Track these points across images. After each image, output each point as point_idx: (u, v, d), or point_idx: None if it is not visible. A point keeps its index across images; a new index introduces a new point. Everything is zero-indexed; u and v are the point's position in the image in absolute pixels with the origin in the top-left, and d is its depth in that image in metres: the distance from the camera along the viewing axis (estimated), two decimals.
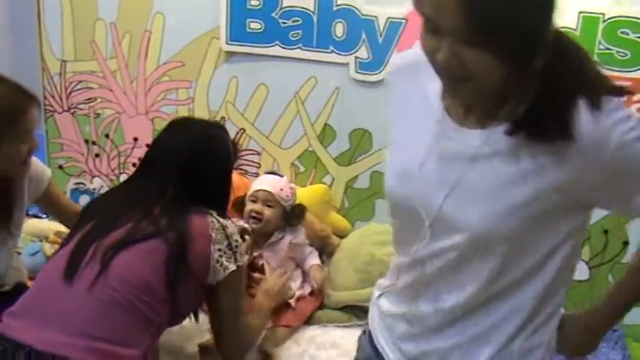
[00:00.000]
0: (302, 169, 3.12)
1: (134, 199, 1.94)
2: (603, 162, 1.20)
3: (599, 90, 1.21)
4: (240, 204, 2.70)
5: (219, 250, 1.89)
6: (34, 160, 2.20)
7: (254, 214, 2.63)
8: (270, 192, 2.64)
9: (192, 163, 1.99)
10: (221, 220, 1.94)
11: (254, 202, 2.66)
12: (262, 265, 2.60)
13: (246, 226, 2.59)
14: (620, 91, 1.23)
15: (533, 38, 1.13)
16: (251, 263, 2.59)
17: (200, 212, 1.92)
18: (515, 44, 1.11)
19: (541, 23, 1.14)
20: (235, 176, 2.88)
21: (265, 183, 2.69)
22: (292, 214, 2.68)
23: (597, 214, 2.79)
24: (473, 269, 1.30)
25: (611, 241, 2.84)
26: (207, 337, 2.40)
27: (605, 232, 2.82)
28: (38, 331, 1.69)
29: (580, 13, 2.63)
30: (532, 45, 1.14)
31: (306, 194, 2.96)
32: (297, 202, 2.74)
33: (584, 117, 1.18)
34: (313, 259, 2.69)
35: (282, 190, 2.65)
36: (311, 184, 3.12)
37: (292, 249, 2.65)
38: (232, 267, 1.91)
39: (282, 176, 2.78)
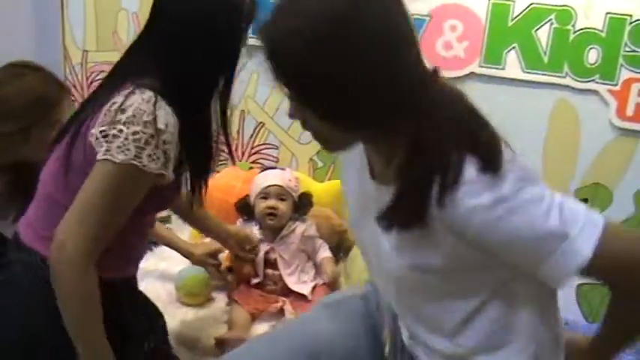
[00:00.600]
0: (320, 164, 3.15)
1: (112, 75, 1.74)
2: (470, 242, 1.23)
3: (459, 172, 1.19)
4: (245, 205, 2.74)
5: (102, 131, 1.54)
6: None
7: (270, 211, 2.66)
8: (281, 185, 2.66)
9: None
10: (148, 102, 1.55)
11: (265, 198, 2.68)
12: (275, 259, 2.62)
13: (255, 233, 2.65)
14: (497, 163, 1.21)
15: (350, 98, 1.19)
16: (265, 259, 2.62)
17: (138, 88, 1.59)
18: (322, 101, 1.20)
19: (357, 79, 1.17)
20: (245, 173, 2.92)
21: (273, 178, 2.70)
22: (301, 204, 2.71)
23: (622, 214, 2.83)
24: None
25: None
26: (224, 329, 2.44)
27: None
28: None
29: (607, 14, 2.64)
30: (346, 104, 1.19)
31: (323, 189, 2.99)
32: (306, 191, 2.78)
33: (441, 200, 1.19)
34: (324, 252, 2.71)
35: (290, 181, 2.68)
36: (329, 179, 3.14)
37: (304, 241, 2.67)
38: (102, 154, 1.53)
39: (283, 169, 2.80)
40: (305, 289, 2.58)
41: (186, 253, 2.57)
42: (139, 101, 1.54)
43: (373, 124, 1.24)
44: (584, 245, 1.17)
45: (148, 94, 1.55)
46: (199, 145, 1.76)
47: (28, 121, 1.99)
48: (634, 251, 1.20)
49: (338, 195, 3.02)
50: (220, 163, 3.20)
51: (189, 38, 1.66)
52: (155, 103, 1.54)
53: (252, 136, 3.20)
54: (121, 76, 1.66)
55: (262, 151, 3.21)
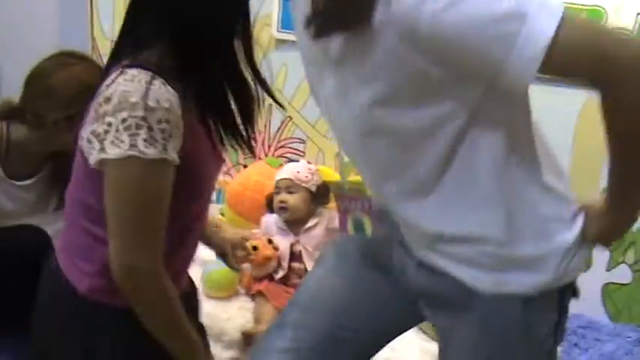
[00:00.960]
0: (346, 158, 3.15)
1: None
2: (423, 51, 1.16)
3: None
4: (270, 200, 2.78)
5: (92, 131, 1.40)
6: None
7: (280, 205, 2.70)
8: (288, 178, 2.71)
9: None
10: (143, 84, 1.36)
11: (278, 193, 2.73)
12: (300, 251, 2.66)
13: (280, 226, 2.70)
14: None
15: None
16: (290, 252, 2.66)
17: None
18: None
19: None
20: (277, 170, 2.94)
21: (283, 172, 2.77)
22: (319, 194, 2.74)
23: None
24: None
25: None
26: (250, 322, 2.47)
27: None
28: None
29: (638, 14, 2.63)
30: None
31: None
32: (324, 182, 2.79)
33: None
34: None
35: (298, 172, 2.71)
36: (356, 175, 3.15)
37: (328, 234, 2.70)
38: (96, 155, 1.39)
39: (298, 162, 2.87)
40: None
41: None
42: (122, 84, 1.35)
43: None
44: (545, 24, 1.09)
45: (132, 72, 1.37)
46: (239, 94, 1.59)
47: (74, 109, 2.01)
48: (595, 31, 1.13)
49: (366, 189, 3.04)
50: (247, 155, 3.25)
51: None
52: (143, 80, 1.36)
53: (278, 129, 3.23)
54: (115, 59, 1.48)
55: (288, 145, 3.23)
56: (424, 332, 2.52)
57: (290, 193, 2.69)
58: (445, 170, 1.31)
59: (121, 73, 1.37)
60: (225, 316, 2.49)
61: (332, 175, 3.01)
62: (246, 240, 2.64)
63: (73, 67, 2.08)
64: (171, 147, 1.39)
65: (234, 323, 2.46)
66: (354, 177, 3.07)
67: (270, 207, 2.78)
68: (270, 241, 2.64)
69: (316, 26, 1.22)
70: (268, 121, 3.22)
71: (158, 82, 1.36)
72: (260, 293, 2.57)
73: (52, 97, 2.07)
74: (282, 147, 3.24)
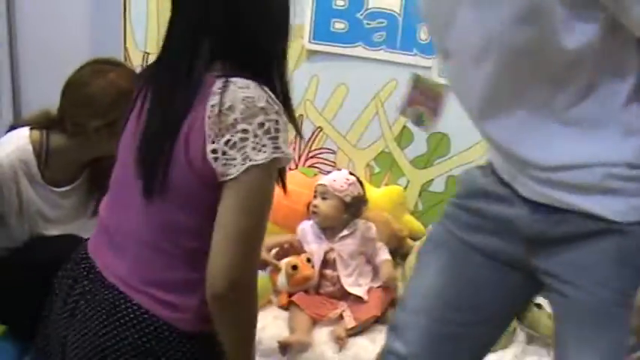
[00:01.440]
0: (377, 169, 3.21)
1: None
2: None
3: None
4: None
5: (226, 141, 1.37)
6: None
7: (312, 209, 2.76)
8: (323, 184, 2.76)
9: None
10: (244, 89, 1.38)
11: (315, 197, 2.78)
12: (334, 259, 2.70)
13: (317, 232, 2.76)
14: None
15: None
16: (323, 259, 2.70)
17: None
18: None
19: None
20: (312, 180, 2.99)
21: (324, 177, 2.84)
22: (351, 205, 2.76)
23: None
24: None
25: None
26: (285, 331, 2.51)
27: None
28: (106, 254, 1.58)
29: None
30: None
31: (380, 195, 3.04)
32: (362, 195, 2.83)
33: None
34: (384, 254, 2.78)
35: (334, 181, 2.75)
36: (386, 184, 3.20)
37: (363, 243, 2.74)
38: (240, 165, 1.36)
39: (340, 170, 2.90)
40: (361, 292, 2.65)
41: None
42: (239, 91, 1.36)
43: None
44: None
45: (242, 81, 1.38)
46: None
47: (114, 115, 2.05)
48: None
49: (395, 200, 3.08)
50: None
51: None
52: (257, 86, 1.38)
53: (309, 140, 3.27)
54: (179, 72, 1.44)
55: (319, 156, 3.27)
56: None
57: (324, 199, 2.73)
58: (585, 97, 1.33)
59: (226, 82, 1.37)
60: (260, 325, 2.51)
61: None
62: (272, 247, 2.72)
63: (109, 74, 2.13)
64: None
65: (269, 333, 2.50)
66: (385, 187, 3.12)
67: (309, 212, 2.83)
68: (309, 260, 2.69)
69: None
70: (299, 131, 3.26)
71: (266, 88, 1.40)
72: (293, 303, 2.61)
73: (91, 105, 2.12)
74: (312, 157, 3.28)
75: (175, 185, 1.44)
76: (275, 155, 1.36)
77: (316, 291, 2.69)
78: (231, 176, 1.36)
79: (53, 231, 2.32)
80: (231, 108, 1.35)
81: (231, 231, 1.38)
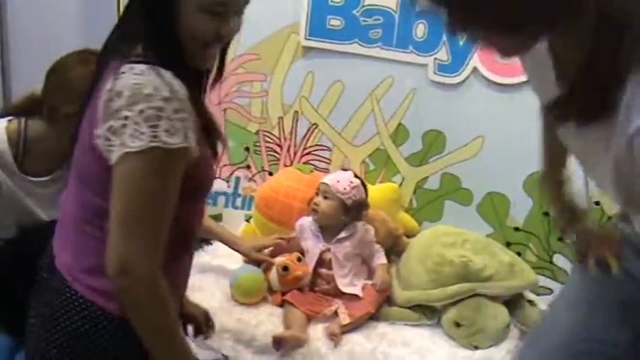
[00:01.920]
0: (372, 167, 3.23)
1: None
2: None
3: None
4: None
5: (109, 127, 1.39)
6: None
7: (312, 206, 2.79)
8: (326, 184, 2.78)
9: None
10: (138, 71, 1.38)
11: (317, 195, 2.81)
12: (330, 259, 2.73)
13: (314, 230, 2.79)
14: None
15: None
16: (319, 259, 2.73)
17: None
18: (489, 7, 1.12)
19: None
20: (308, 176, 3.02)
21: (328, 176, 2.85)
22: (352, 208, 2.78)
23: None
24: None
25: None
26: (280, 328, 2.54)
27: None
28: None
29: None
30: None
31: (375, 192, 3.06)
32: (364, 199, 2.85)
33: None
34: (380, 259, 2.81)
35: (338, 182, 2.76)
36: (381, 182, 3.23)
37: (361, 246, 2.78)
38: (118, 151, 1.38)
39: (346, 170, 2.91)
40: (355, 290, 2.69)
41: (234, 246, 2.74)
42: (132, 77, 1.36)
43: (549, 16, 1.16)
44: None
45: (139, 67, 1.37)
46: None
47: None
48: None
49: (390, 197, 3.11)
50: (272, 162, 3.32)
51: None
52: (153, 72, 1.36)
53: (304, 137, 3.30)
54: (109, 55, 1.50)
55: (315, 152, 3.30)
56: (452, 339, 2.60)
57: (325, 198, 2.76)
58: None
59: (126, 68, 1.38)
60: (255, 322, 2.56)
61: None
62: (265, 247, 2.75)
63: (92, 65, 2.14)
64: (191, 136, 1.40)
65: (264, 329, 2.53)
66: (380, 185, 3.15)
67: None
68: (299, 259, 2.72)
69: (562, 112, 1.29)
70: (294, 128, 3.28)
71: (168, 74, 1.37)
72: (287, 300, 2.64)
73: (66, 89, 2.15)
74: (307, 154, 3.31)
75: (87, 169, 1.48)
76: (152, 144, 1.34)
77: (311, 288, 2.72)
78: (111, 162, 1.38)
79: (41, 216, 2.35)
80: (119, 94, 1.36)
81: (112, 216, 1.40)
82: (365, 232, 2.80)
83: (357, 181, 2.82)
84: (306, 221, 2.83)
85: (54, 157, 2.32)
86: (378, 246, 2.83)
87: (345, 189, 2.76)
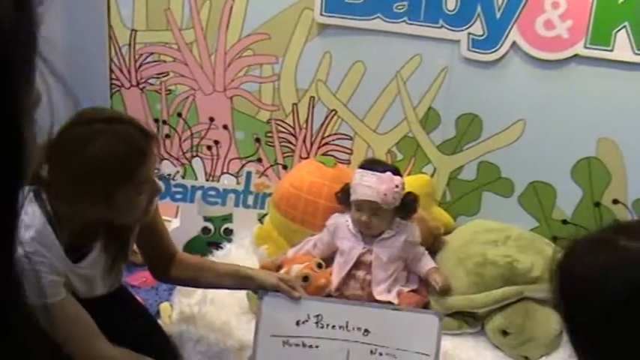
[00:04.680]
0: (400, 156, 3.19)
1: None
2: None
3: None
4: (346, 196, 2.74)
5: None
6: None
7: (363, 225, 2.70)
8: (374, 201, 2.65)
9: None
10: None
11: (359, 210, 2.70)
12: (370, 262, 2.68)
13: (351, 228, 2.72)
14: None
15: None
16: (357, 261, 2.69)
17: None
18: None
19: None
20: (333, 170, 2.97)
21: (368, 191, 2.66)
22: (403, 207, 2.72)
23: None
24: None
25: None
26: None
27: None
28: None
29: None
30: None
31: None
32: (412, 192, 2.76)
33: None
34: (429, 262, 2.74)
35: (385, 195, 2.63)
36: (409, 174, 3.19)
37: (404, 248, 2.72)
38: None
39: (384, 171, 2.71)
40: (390, 297, 2.64)
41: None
42: None
43: None
44: None
45: None
46: None
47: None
48: None
49: (422, 191, 3.05)
50: (286, 155, 3.29)
51: None
52: None
53: (322, 125, 3.26)
54: None
55: (333, 142, 3.26)
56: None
57: (375, 214, 2.68)
58: None
59: None
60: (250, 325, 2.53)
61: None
62: (280, 267, 2.71)
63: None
64: None
65: None
66: (409, 177, 3.10)
67: (342, 202, 2.77)
68: (320, 265, 2.67)
69: None
70: (310, 115, 3.25)
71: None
72: None
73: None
74: (326, 144, 3.27)
75: None
76: None
77: (340, 292, 2.67)
78: None
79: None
80: None
81: None
82: (411, 232, 2.74)
83: (398, 179, 2.69)
84: (341, 219, 2.77)
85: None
86: (422, 249, 2.76)
87: (394, 198, 2.65)
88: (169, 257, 2.36)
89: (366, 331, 2.26)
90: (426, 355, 2.24)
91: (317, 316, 2.27)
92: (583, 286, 1.30)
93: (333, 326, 2.27)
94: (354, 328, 2.26)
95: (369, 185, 2.65)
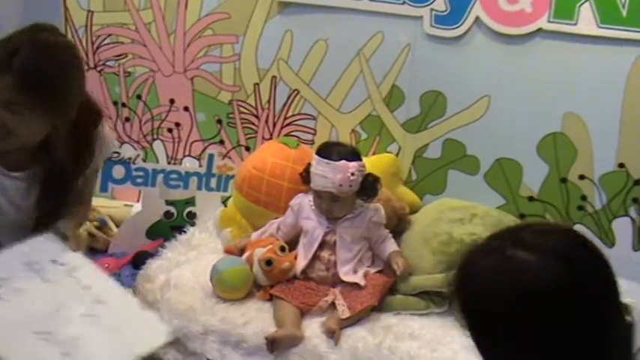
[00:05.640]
0: (364, 136, 3.20)
1: None
2: None
3: None
4: (308, 177, 2.72)
5: None
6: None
7: (326, 212, 2.71)
8: (331, 192, 2.65)
9: None
10: None
11: (319, 197, 2.71)
12: (334, 242, 2.69)
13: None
14: None
15: None
16: (321, 241, 2.70)
17: None
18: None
19: None
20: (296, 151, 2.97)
21: (323, 182, 2.66)
22: (364, 190, 2.71)
23: None
24: None
25: None
26: (271, 326, 2.52)
27: None
28: None
29: None
30: None
31: (370, 165, 2.99)
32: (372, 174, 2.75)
33: None
34: (392, 245, 2.76)
35: (341, 186, 2.62)
36: (374, 153, 3.20)
37: (369, 228, 2.73)
38: None
39: (339, 158, 2.66)
40: (357, 278, 2.65)
41: None
42: None
43: None
44: None
45: None
46: None
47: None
48: None
49: (387, 170, 3.07)
50: (249, 136, 3.29)
51: None
52: None
53: (285, 105, 3.26)
54: None
55: (297, 122, 3.26)
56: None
57: (334, 201, 2.68)
58: None
59: None
60: (243, 320, 2.53)
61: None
62: (243, 250, 2.72)
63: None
64: None
65: (253, 328, 2.50)
66: (374, 156, 3.11)
67: (306, 183, 2.75)
68: (283, 249, 2.68)
69: None
70: (272, 96, 3.24)
71: None
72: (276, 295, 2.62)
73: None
74: (289, 124, 3.27)
75: None
76: None
77: (305, 275, 2.68)
78: None
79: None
80: None
81: None
82: (375, 212, 2.75)
83: (354, 165, 2.66)
84: (305, 199, 2.77)
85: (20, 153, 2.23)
86: (387, 231, 2.78)
87: (351, 186, 2.65)
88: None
89: None
90: None
91: None
92: (477, 288, 1.35)
93: None
94: None
95: (324, 176, 2.65)
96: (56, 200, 2.24)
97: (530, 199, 3.06)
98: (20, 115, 2.00)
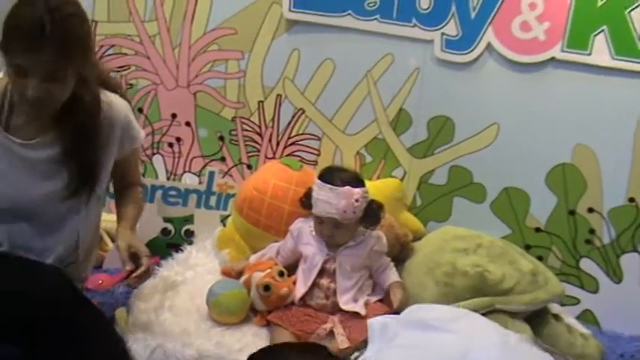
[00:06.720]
0: (369, 159, 3.19)
1: None
2: None
3: None
4: (309, 202, 2.70)
5: None
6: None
7: (327, 238, 2.69)
8: (334, 218, 2.63)
9: None
10: None
11: (321, 223, 2.69)
12: (334, 270, 2.67)
13: (314, 234, 2.71)
14: None
15: None
16: (321, 268, 2.68)
17: None
18: None
19: None
20: (299, 173, 2.95)
21: (327, 207, 2.64)
22: (367, 217, 2.69)
23: None
24: None
25: None
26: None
27: None
28: None
29: None
30: None
31: (373, 189, 2.96)
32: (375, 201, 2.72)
33: None
34: (392, 275, 2.73)
35: (345, 212, 2.60)
36: (378, 177, 3.19)
37: (370, 256, 2.71)
38: None
39: (342, 184, 2.63)
40: (357, 307, 2.63)
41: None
42: None
43: None
44: None
45: None
46: None
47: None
48: None
49: (391, 195, 3.06)
50: (251, 154, 3.28)
51: None
52: None
53: (289, 124, 3.25)
54: None
55: (300, 142, 3.25)
56: None
57: (337, 227, 2.66)
58: None
59: None
60: (239, 345, 2.51)
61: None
62: (241, 273, 2.71)
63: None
64: None
65: (249, 354, 2.48)
66: (378, 180, 3.10)
67: (306, 208, 2.73)
68: (282, 274, 2.66)
69: None
70: (277, 114, 3.24)
71: None
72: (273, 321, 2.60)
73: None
74: (292, 144, 3.26)
75: None
76: None
77: (303, 302, 2.66)
78: None
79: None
80: None
81: None
82: (376, 240, 2.73)
83: (358, 192, 2.64)
84: (305, 224, 2.75)
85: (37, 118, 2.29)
86: (388, 259, 2.75)
87: (355, 213, 2.63)
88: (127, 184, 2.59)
89: None
90: None
91: None
92: None
93: None
94: None
95: (328, 201, 2.63)
96: (84, 158, 2.32)
97: (537, 230, 3.04)
98: (61, 80, 2.12)
